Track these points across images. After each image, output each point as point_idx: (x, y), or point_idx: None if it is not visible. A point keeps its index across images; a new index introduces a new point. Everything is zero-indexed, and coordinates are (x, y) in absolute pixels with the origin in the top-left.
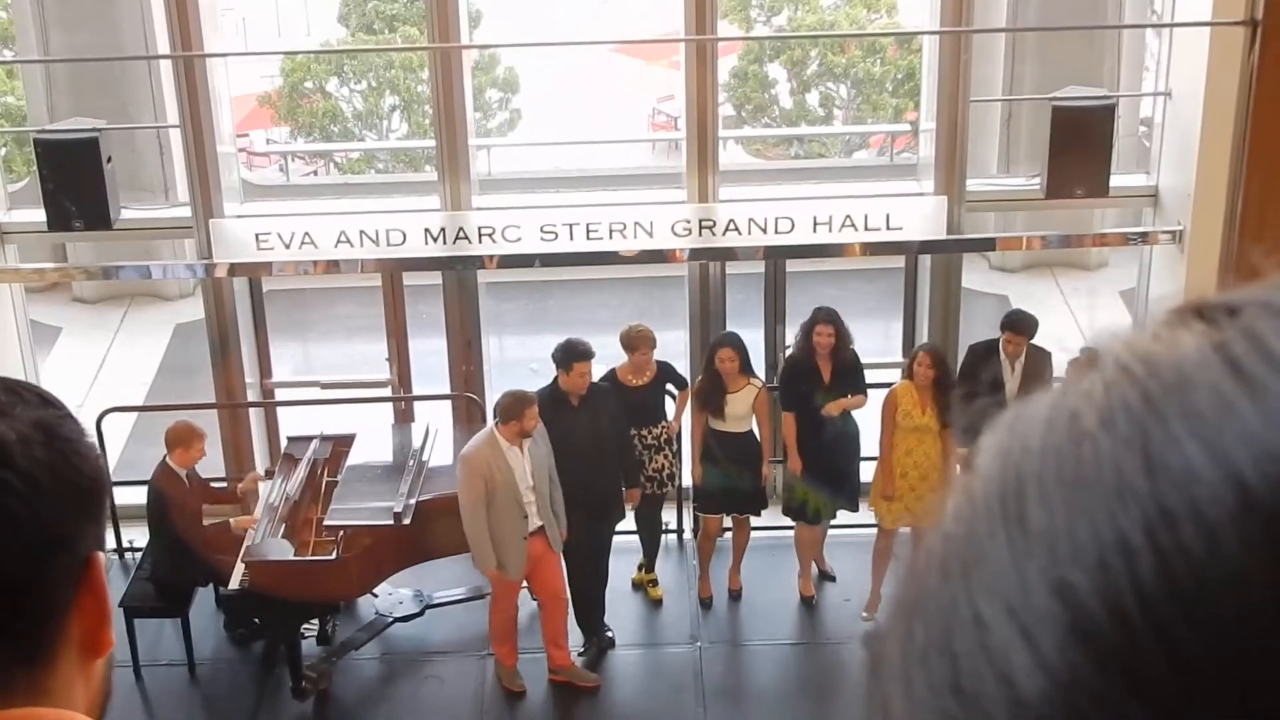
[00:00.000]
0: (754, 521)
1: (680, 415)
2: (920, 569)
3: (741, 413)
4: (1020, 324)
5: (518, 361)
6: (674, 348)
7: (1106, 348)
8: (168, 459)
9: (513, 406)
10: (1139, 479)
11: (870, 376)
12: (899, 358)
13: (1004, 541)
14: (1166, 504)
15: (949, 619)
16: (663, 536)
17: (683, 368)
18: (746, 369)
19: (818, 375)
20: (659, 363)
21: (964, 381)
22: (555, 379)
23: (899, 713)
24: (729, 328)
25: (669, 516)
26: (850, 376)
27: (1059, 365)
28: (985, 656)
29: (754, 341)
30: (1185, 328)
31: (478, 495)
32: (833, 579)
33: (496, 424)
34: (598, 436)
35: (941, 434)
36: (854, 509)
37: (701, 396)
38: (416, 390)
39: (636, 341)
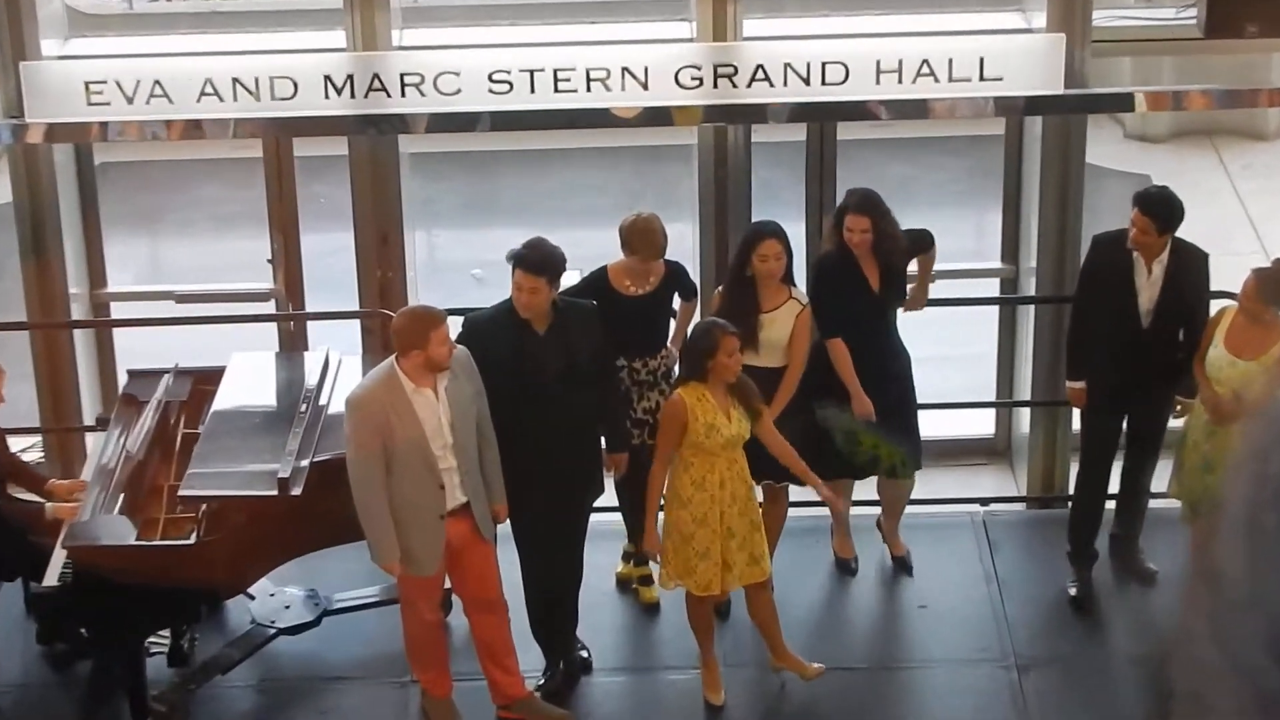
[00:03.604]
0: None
1: (681, 336)
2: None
3: (778, 339)
4: (1154, 204)
5: (455, 265)
6: (677, 247)
7: None
8: None
9: (410, 329)
10: None
11: (950, 290)
12: (997, 262)
13: None
14: None
15: None
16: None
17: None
18: (790, 277)
19: (860, 282)
20: (669, 264)
21: (1087, 288)
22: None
23: (1242, 560)
24: (758, 217)
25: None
26: (904, 271)
27: (1223, 273)
28: None
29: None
30: None
31: (371, 457)
32: (908, 569)
33: (396, 356)
34: (570, 376)
35: None
36: (918, 466)
37: (726, 316)
38: (311, 306)
39: (642, 239)
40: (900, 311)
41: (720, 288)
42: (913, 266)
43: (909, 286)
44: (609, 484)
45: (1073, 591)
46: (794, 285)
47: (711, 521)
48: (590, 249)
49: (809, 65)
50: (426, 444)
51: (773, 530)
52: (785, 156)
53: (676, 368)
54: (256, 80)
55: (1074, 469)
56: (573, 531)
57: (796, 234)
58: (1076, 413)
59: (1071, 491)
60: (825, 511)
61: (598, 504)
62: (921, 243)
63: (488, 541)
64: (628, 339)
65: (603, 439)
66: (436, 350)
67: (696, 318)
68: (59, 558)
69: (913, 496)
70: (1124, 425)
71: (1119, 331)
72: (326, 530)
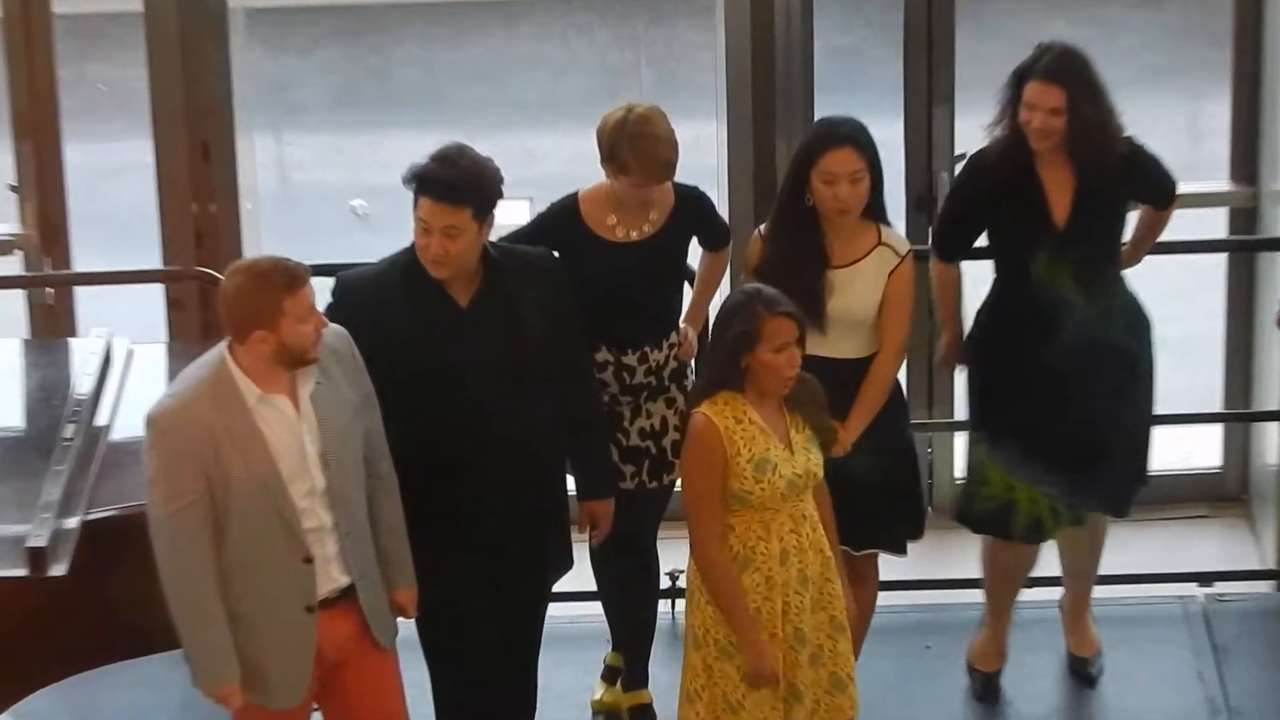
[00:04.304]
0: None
1: (703, 309)
2: None
3: (859, 311)
4: None
5: (323, 193)
6: (692, 162)
7: None
8: None
9: (250, 299)
10: None
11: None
12: (1224, 182)
13: None
14: None
15: None
16: (661, 603)
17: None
18: (877, 210)
19: (1034, 203)
20: (682, 191)
21: None
22: (413, 244)
23: None
24: (823, 111)
25: (677, 557)
26: (1120, 196)
27: None
28: None
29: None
30: None
31: (189, 512)
32: (1089, 678)
33: (228, 344)
34: (514, 376)
35: None
36: (1118, 512)
37: (775, 277)
38: (82, 263)
39: (637, 149)
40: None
41: (762, 229)
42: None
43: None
44: (582, 553)
45: None
46: (885, 223)
47: (768, 621)
48: (548, 166)
49: None
50: (283, 488)
51: (855, 631)
52: (870, 11)
53: (694, 365)
54: None
55: None
56: (521, 633)
57: (889, 139)
58: None
59: None
60: (944, 597)
61: (562, 588)
62: (1159, 189)
63: (386, 650)
64: (614, 316)
65: (572, 480)
66: (294, 332)
67: (727, 283)
68: None
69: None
70: None
71: None
72: (112, 635)
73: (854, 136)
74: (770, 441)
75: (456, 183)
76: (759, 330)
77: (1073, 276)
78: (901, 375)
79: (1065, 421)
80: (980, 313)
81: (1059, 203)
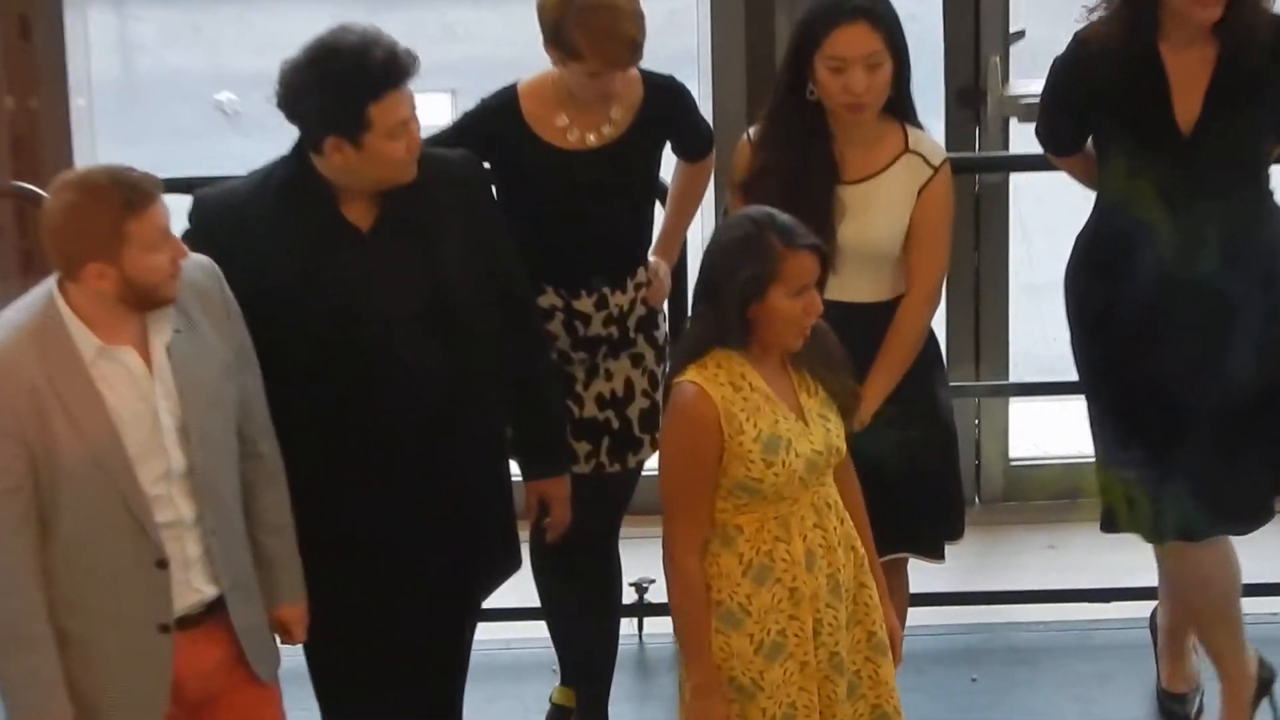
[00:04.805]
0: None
1: (678, 238)
2: None
3: (881, 239)
4: None
5: (178, 83)
6: (661, 43)
7: None
8: None
9: (84, 221)
10: None
11: None
12: None
13: None
14: None
15: None
16: (636, 613)
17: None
18: (902, 106)
19: (1157, 102)
20: (651, 81)
21: None
22: (298, 145)
23: None
24: None
25: (651, 559)
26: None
27: None
28: None
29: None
30: None
31: (1, 497)
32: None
33: (57, 280)
34: (433, 321)
35: None
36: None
37: (775, 195)
38: None
39: (592, 28)
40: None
41: (751, 132)
42: None
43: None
44: (529, 551)
45: None
46: (913, 124)
47: (797, 648)
48: (475, 48)
49: None
50: (128, 470)
51: (893, 627)
52: None
53: (667, 309)
54: None
55: None
56: (442, 663)
57: (921, 12)
58: None
59: None
60: (992, 614)
61: (501, 598)
62: None
63: (265, 684)
64: (563, 248)
65: (514, 457)
66: (141, 264)
67: (712, 203)
68: None
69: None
70: None
71: None
72: None
73: (868, 8)
74: (779, 412)
75: (353, 69)
76: (775, 269)
77: (1196, 196)
78: (938, 324)
79: (1169, 380)
80: (1080, 239)
81: (1187, 100)
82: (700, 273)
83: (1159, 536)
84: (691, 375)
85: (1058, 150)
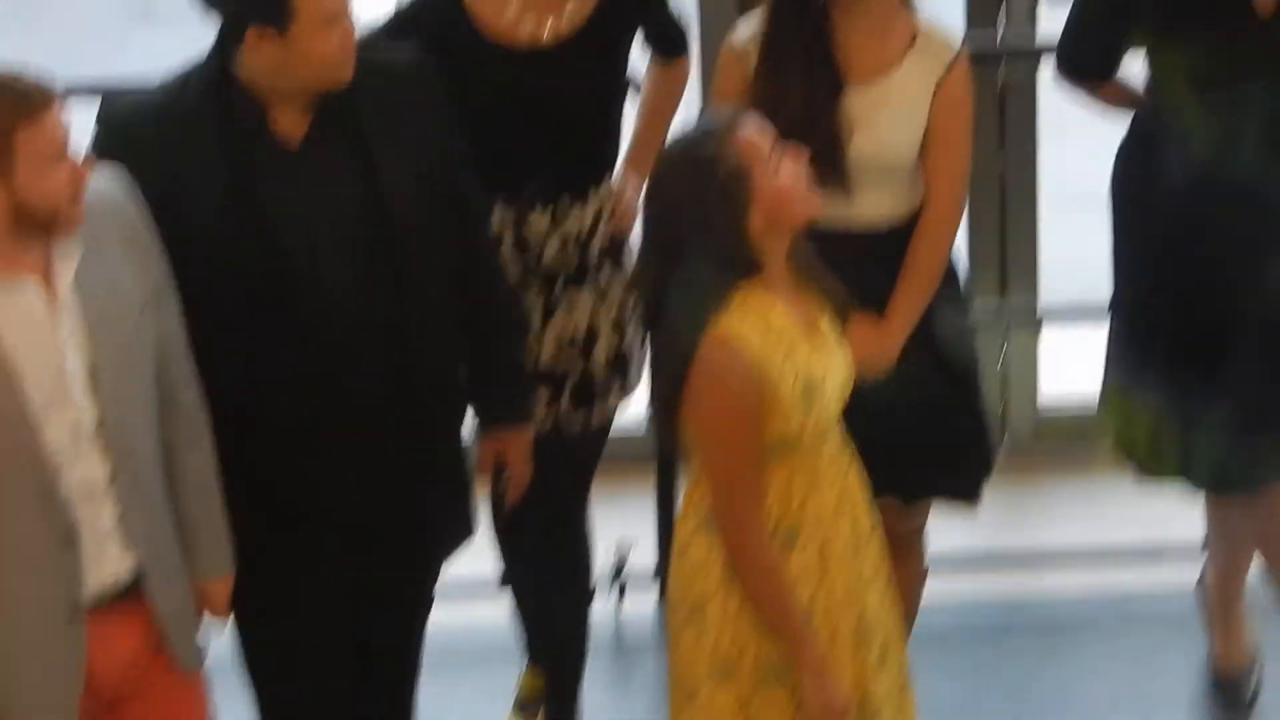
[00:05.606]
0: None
1: (652, 148)
2: None
3: (895, 149)
4: None
5: None
6: None
7: None
8: None
9: None
10: None
11: None
12: None
13: None
14: None
15: None
16: (613, 586)
17: None
18: None
19: None
20: None
21: None
22: (219, 42)
23: None
24: None
25: (633, 519)
26: None
27: None
28: None
29: None
30: None
31: None
32: (1236, 699)
33: None
34: (373, 244)
35: None
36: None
37: (767, 101)
38: None
39: None
40: None
41: (738, 35)
42: None
43: None
44: (487, 515)
45: None
46: (913, 8)
47: (828, 616)
48: None
49: None
50: (26, 422)
51: (907, 589)
52: None
53: (640, 229)
54: None
55: None
56: (392, 645)
57: None
58: None
59: None
60: (1024, 583)
61: (454, 577)
62: None
63: (190, 676)
64: (513, 156)
65: (469, 404)
66: (36, 181)
67: (693, 105)
68: None
69: None
70: None
71: None
72: None
73: None
74: (811, 344)
75: None
76: (743, 167)
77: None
78: (957, 240)
79: (1212, 285)
80: (1122, 147)
81: None
82: (656, 224)
83: (1191, 479)
84: (725, 327)
85: (1102, 71)
